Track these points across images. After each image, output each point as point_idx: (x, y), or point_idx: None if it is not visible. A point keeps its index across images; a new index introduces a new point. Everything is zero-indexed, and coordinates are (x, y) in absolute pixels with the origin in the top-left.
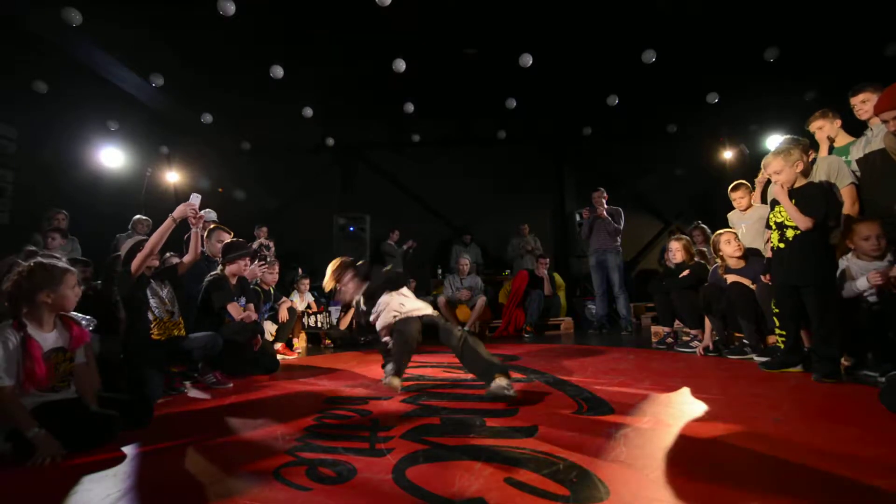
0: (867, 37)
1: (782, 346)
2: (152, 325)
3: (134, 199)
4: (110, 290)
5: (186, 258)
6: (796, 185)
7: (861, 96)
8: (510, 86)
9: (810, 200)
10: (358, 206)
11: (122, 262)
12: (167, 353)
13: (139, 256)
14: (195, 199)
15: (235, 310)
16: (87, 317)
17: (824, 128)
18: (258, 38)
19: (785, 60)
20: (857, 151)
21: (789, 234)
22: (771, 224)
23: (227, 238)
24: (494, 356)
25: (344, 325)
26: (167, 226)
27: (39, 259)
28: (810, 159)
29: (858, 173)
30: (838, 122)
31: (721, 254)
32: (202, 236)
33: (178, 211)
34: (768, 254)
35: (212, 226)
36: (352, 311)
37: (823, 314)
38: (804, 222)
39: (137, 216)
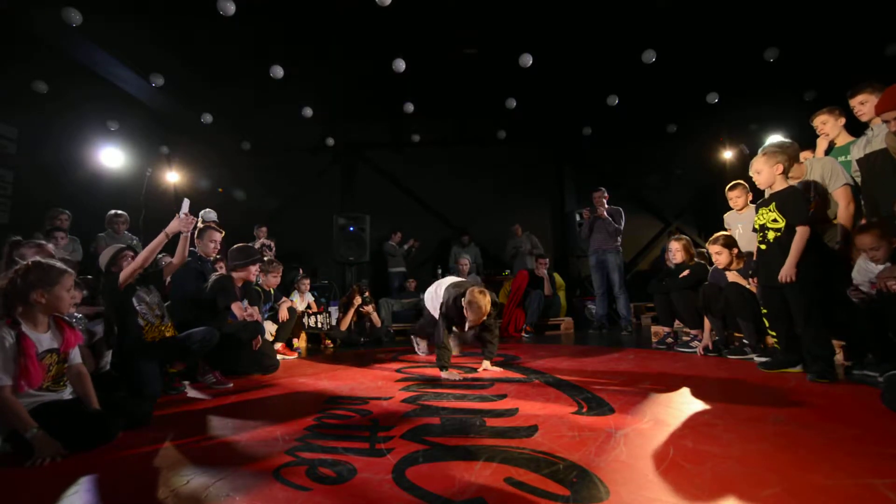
0: (867, 37)
1: (778, 346)
2: (144, 330)
3: (134, 199)
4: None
5: (174, 260)
6: (775, 188)
7: (860, 97)
8: (510, 86)
9: (787, 205)
10: (358, 206)
11: (105, 272)
12: (165, 352)
13: (128, 269)
14: (186, 205)
15: (239, 309)
16: (77, 315)
17: (828, 123)
18: (258, 38)
19: (785, 60)
20: (858, 151)
21: (770, 236)
22: (756, 226)
23: (219, 237)
24: None
25: (344, 325)
26: (159, 241)
27: (38, 258)
28: (802, 161)
29: (859, 173)
30: (842, 121)
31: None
32: (193, 237)
33: (172, 227)
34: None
35: (201, 224)
36: (351, 312)
37: (808, 314)
38: (800, 232)
39: (112, 211)
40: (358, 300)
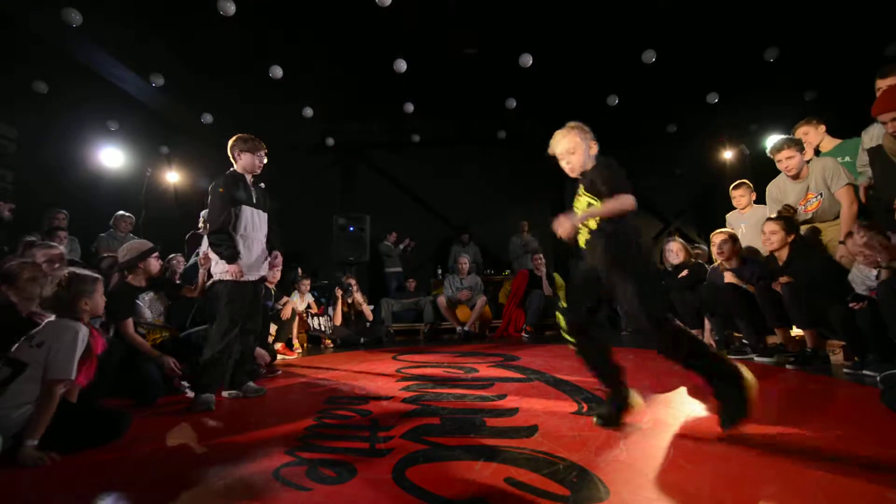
0: (867, 37)
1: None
2: (146, 334)
3: (134, 199)
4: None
5: (195, 293)
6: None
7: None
8: (510, 86)
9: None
10: (358, 206)
11: (119, 267)
12: (170, 352)
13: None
14: (204, 244)
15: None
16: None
17: (809, 133)
18: (258, 39)
19: (785, 60)
20: (869, 140)
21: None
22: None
23: None
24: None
25: (337, 320)
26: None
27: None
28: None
29: (864, 169)
30: (823, 128)
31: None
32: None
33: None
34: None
35: (202, 224)
36: (339, 307)
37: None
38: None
39: (120, 212)
40: (339, 292)
